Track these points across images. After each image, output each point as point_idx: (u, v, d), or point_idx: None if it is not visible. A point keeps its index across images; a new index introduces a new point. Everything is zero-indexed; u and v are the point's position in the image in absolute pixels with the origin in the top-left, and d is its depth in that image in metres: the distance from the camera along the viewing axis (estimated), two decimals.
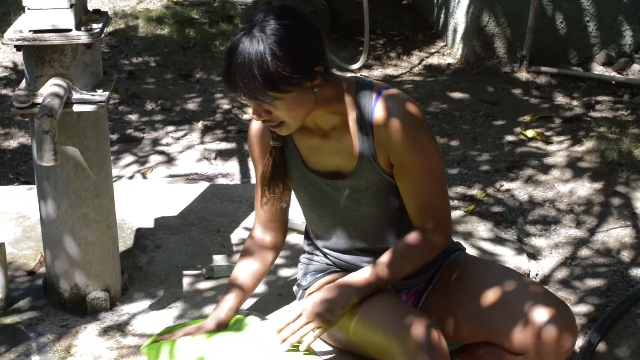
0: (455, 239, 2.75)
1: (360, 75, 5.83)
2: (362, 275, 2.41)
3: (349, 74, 5.62)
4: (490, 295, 2.38)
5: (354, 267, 2.52)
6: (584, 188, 4.14)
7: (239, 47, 2.21)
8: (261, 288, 3.04)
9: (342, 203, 2.47)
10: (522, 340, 2.28)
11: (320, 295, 2.38)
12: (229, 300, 2.61)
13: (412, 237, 2.42)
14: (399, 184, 2.40)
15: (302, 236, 2.78)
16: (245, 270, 2.64)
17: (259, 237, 2.66)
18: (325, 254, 2.62)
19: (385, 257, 2.41)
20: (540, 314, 2.27)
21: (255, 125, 2.53)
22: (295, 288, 2.72)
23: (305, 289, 2.64)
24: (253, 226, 2.68)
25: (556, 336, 2.25)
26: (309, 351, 2.45)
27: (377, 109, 2.33)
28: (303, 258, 2.71)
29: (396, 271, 2.41)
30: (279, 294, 3.01)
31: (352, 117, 2.36)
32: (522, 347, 2.29)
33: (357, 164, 2.39)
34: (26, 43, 2.59)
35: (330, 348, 2.65)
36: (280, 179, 2.51)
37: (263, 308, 2.87)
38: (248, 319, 2.64)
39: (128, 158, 4.60)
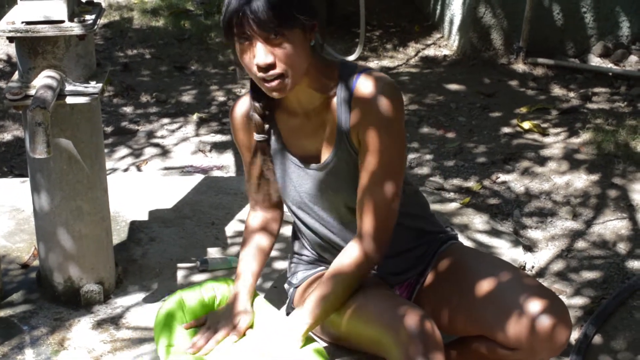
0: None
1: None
2: (309, 308, 2.37)
3: None
4: (483, 289, 2.37)
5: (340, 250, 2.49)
6: (581, 180, 4.13)
7: None
8: (257, 281, 3.03)
9: (322, 189, 2.46)
10: (516, 334, 2.27)
11: (270, 339, 2.39)
12: (244, 285, 2.59)
13: (350, 257, 2.37)
14: (360, 167, 2.35)
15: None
16: (252, 259, 2.63)
17: (256, 225, 2.66)
18: (311, 246, 2.62)
19: (324, 285, 2.37)
20: (534, 307, 2.26)
21: (238, 113, 2.51)
22: (286, 286, 2.71)
23: (297, 287, 2.63)
24: (249, 212, 2.69)
25: (550, 329, 2.23)
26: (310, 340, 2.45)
27: (358, 85, 2.32)
28: (292, 256, 2.70)
29: (338, 295, 2.38)
30: (274, 287, 3.00)
31: (334, 95, 2.35)
32: (516, 341, 2.28)
33: (335, 144, 2.38)
34: (19, 35, 2.57)
35: (325, 343, 2.64)
36: (268, 175, 2.52)
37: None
38: (259, 307, 2.61)
39: (123, 150, 4.58)
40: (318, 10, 2.29)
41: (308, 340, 2.43)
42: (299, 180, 2.48)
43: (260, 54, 2.22)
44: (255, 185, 2.57)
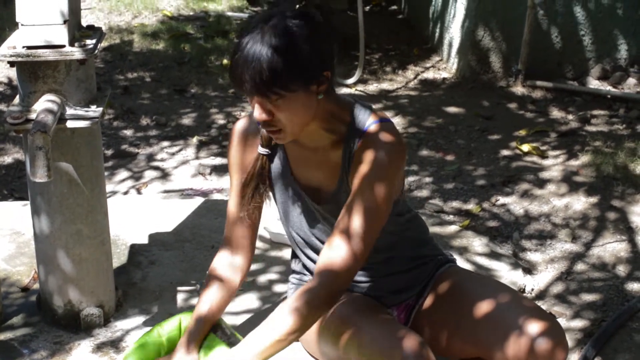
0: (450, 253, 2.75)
1: (356, 90, 5.84)
2: (247, 348, 2.24)
3: (345, 90, 5.63)
4: (482, 310, 2.37)
5: None
6: (580, 202, 4.14)
7: (249, 40, 2.17)
8: (255, 303, 3.04)
9: (321, 222, 2.46)
10: (514, 355, 2.27)
11: None
12: (195, 332, 2.47)
13: (294, 299, 2.24)
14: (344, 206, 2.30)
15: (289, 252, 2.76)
16: (213, 296, 2.50)
17: (223, 262, 2.54)
18: (307, 269, 2.61)
19: (261, 330, 2.26)
20: (532, 329, 2.26)
21: (240, 129, 2.48)
22: None
23: None
24: (220, 248, 2.56)
25: (548, 351, 2.24)
26: None
27: (366, 135, 2.30)
28: (292, 278, 2.70)
29: (281, 339, 2.23)
30: (271, 309, 3.00)
31: (344, 137, 2.35)
32: None
33: (337, 186, 2.38)
34: (20, 59, 2.58)
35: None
36: (261, 187, 2.46)
37: (256, 324, 2.85)
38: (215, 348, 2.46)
39: (123, 173, 4.59)
40: (330, 59, 2.26)
41: None
42: (299, 208, 2.48)
43: (256, 112, 2.23)
44: (240, 205, 2.48)
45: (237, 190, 2.50)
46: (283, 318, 2.22)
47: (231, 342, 2.46)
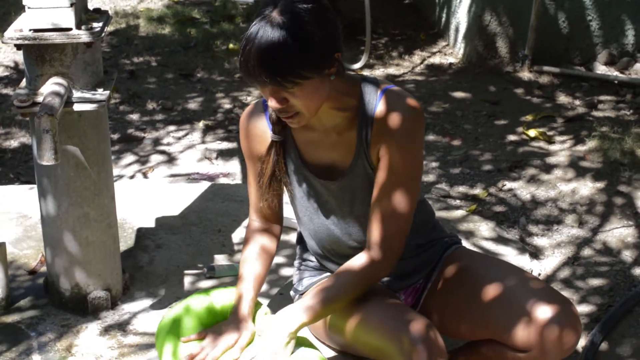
0: None
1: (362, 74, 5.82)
2: (305, 304, 2.32)
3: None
4: (493, 292, 2.37)
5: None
6: (587, 187, 4.13)
7: (259, 30, 2.14)
8: (263, 287, 3.03)
9: (335, 203, 2.45)
10: (526, 337, 2.27)
11: (265, 334, 2.32)
12: (248, 292, 2.49)
13: (359, 262, 2.36)
14: (375, 181, 2.35)
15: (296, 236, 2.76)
16: (255, 259, 2.53)
17: (259, 227, 2.58)
18: (314, 255, 2.61)
19: (328, 283, 2.35)
20: (543, 311, 2.26)
21: (249, 119, 2.48)
22: (292, 293, 2.71)
23: (302, 294, 2.62)
24: (250, 220, 2.60)
25: (559, 333, 2.24)
26: (309, 344, 2.42)
27: (380, 104, 2.31)
28: (297, 263, 2.70)
29: (340, 296, 2.34)
30: (280, 293, 3.01)
31: (355, 112, 2.34)
32: (526, 344, 2.28)
33: (353, 160, 2.37)
34: (26, 42, 2.58)
35: (331, 351, 2.64)
36: (280, 175, 2.46)
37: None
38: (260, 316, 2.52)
39: (129, 157, 4.59)
40: (339, 39, 2.25)
41: (306, 343, 2.41)
42: (311, 191, 2.47)
43: (270, 101, 2.22)
44: (259, 193, 2.52)
45: (253, 177, 2.52)
46: (345, 286, 2.34)
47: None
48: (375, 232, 2.34)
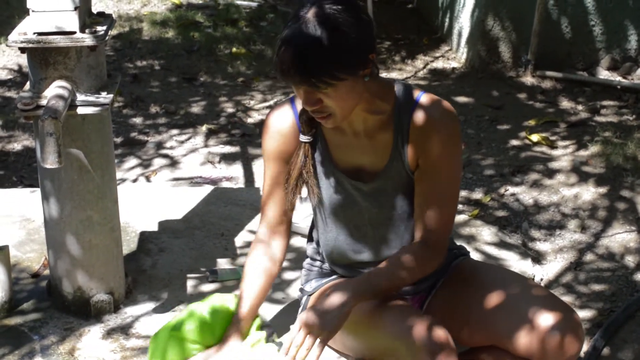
0: (459, 243, 2.75)
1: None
2: (358, 282, 2.35)
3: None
4: (496, 299, 2.37)
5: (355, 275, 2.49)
6: (589, 193, 4.13)
7: (295, 32, 2.15)
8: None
9: (364, 205, 2.44)
10: (527, 345, 2.27)
11: (316, 306, 2.30)
12: (241, 316, 2.50)
13: (412, 249, 2.39)
14: (416, 185, 2.38)
15: (305, 240, 2.76)
16: (255, 282, 2.51)
17: (265, 242, 2.55)
18: (326, 256, 2.60)
19: (382, 266, 2.38)
20: (545, 319, 2.26)
21: (278, 119, 2.44)
22: (299, 293, 2.70)
23: (310, 295, 2.62)
24: (258, 231, 2.57)
25: (561, 341, 2.23)
26: None
27: (417, 108, 2.32)
28: (306, 263, 2.69)
29: (392, 280, 2.38)
30: (282, 297, 3.01)
31: (389, 116, 2.34)
32: (528, 351, 2.28)
33: (387, 163, 2.37)
34: (30, 45, 2.58)
35: (342, 357, 2.63)
36: (308, 177, 2.43)
37: (267, 311, 2.86)
38: (265, 345, 2.49)
39: (132, 161, 4.60)
40: (373, 40, 2.25)
41: None
42: (341, 193, 2.45)
43: (304, 101, 2.21)
44: (274, 198, 2.50)
45: (273, 180, 2.49)
46: (399, 271, 2.37)
47: (269, 334, 2.51)
48: (422, 228, 2.39)
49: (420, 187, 2.38)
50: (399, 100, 2.33)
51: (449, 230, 2.42)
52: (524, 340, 2.27)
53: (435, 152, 2.32)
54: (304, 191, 2.49)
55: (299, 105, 2.38)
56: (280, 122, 2.44)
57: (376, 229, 2.47)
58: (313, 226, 2.63)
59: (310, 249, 2.67)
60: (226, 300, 2.56)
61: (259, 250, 2.54)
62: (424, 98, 2.34)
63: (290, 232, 2.60)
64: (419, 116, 2.32)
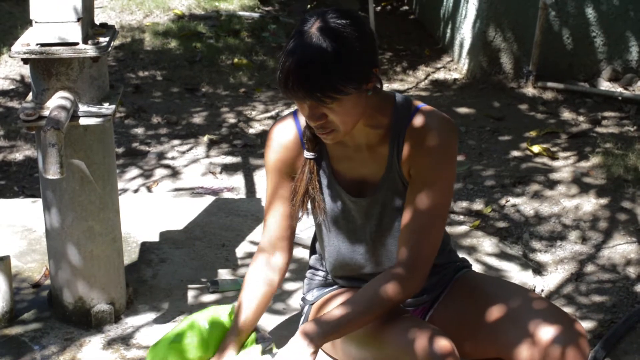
0: (460, 254, 2.75)
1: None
2: (329, 320, 2.28)
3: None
4: (502, 311, 2.35)
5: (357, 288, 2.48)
6: (590, 204, 4.13)
7: (299, 46, 2.14)
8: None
9: (362, 221, 2.44)
10: (532, 357, 2.26)
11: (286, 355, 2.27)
12: (239, 327, 2.48)
13: (385, 279, 2.32)
14: (406, 198, 2.34)
15: (307, 251, 2.76)
16: (254, 294, 2.51)
17: (268, 253, 2.54)
18: (329, 269, 2.60)
19: (357, 301, 2.31)
20: (548, 332, 2.25)
21: (280, 133, 2.44)
22: (300, 302, 2.71)
23: (312, 304, 2.62)
24: (260, 243, 2.56)
25: (563, 354, 2.23)
26: None
27: (413, 120, 2.31)
28: (308, 273, 2.69)
29: (365, 316, 2.31)
30: (283, 308, 3.01)
31: (387, 129, 2.33)
32: None
33: (384, 174, 2.36)
34: (33, 56, 2.59)
35: None
36: (314, 193, 2.43)
37: (267, 321, 2.87)
38: (262, 357, 2.47)
39: (133, 171, 4.60)
40: (376, 54, 2.25)
41: None
42: (341, 207, 2.45)
43: (308, 116, 2.21)
44: (276, 213, 2.49)
45: (275, 193, 2.48)
46: (369, 304, 2.30)
47: (266, 346, 2.48)
48: (405, 248, 2.32)
49: (407, 203, 2.33)
50: (398, 113, 2.33)
51: (430, 254, 2.33)
52: (528, 353, 2.27)
53: (427, 164, 2.29)
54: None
55: (302, 120, 2.38)
56: (283, 135, 2.43)
57: (377, 241, 2.47)
58: (316, 237, 2.63)
59: (312, 258, 2.67)
60: (224, 313, 2.56)
61: (261, 261, 2.54)
62: (421, 110, 2.32)
63: (293, 244, 2.58)
64: (414, 126, 2.30)
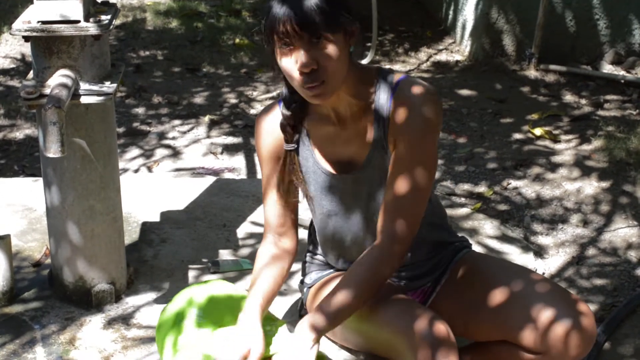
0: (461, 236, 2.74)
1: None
2: (314, 319, 2.27)
3: None
4: (505, 294, 2.35)
5: None
6: (592, 187, 4.12)
7: None
8: None
9: (351, 198, 2.44)
10: (538, 339, 2.26)
11: (290, 349, 2.25)
12: (256, 300, 2.40)
13: (367, 257, 2.32)
14: (388, 175, 2.33)
15: (307, 232, 2.76)
16: (270, 272, 2.48)
17: (272, 244, 2.54)
18: (325, 253, 2.60)
19: (349, 282, 2.30)
20: (552, 313, 2.25)
21: (266, 121, 2.46)
22: (299, 285, 2.71)
23: (310, 287, 2.62)
24: (264, 234, 2.56)
25: (568, 335, 2.23)
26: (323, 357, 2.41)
27: (399, 90, 2.31)
28: (307, 256, 2.69)
29: (359, 298, 2.29)
30: (284, 289, 3.01)
31: (371, 101, 2.34)
32: (539, 346, 2.27)
33: (369, 152, 2.36)
34: (34, 34, 2.58)
35: (344, 351, 2.64)
36: (299, 182, 2.46)
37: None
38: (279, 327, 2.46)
39: (134, 151, 4.59)
40: (355, 19, 2.28)
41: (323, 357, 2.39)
42: (329, 188, 2.45)
43: (303, 59, 2.19)
44: (274, 202, 2.50)
45: (269, 181, 2.50)
46: (356, 285, 2.28)
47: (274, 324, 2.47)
48: (383, 221, 2.32)
49: (391, 173, 2.32)
50: (380, 86, 2.34)
51: (410, 227, 2.31)
52: (534, 335, 2.27)
53: (406, 139, 2.29)
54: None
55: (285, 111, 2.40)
56: (269, 123, 2.46)
57: (368, 220, 2.46)
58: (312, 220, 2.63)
59: (310, 242, 2.68)
60: (225, 288, 2.54)
61: (269, 245, 2.54)
62: (403, 82, 2.32)
63: (297, 228, 2.58)
64: (397, 101, 2.30)
